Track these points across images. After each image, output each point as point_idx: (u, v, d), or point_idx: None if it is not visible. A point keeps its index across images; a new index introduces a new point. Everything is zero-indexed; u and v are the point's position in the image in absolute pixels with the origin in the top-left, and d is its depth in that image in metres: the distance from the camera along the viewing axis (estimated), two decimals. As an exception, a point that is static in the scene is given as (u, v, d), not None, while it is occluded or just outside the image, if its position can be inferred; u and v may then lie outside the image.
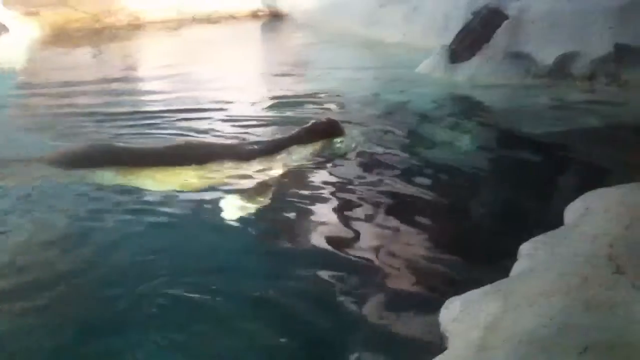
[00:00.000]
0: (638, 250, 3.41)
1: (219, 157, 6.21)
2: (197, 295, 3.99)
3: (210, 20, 20.39)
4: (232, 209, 5.18)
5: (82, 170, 6.06)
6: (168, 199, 5.46)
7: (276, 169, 6.07)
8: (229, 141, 6.97)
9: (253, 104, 8.76)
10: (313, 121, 6.79)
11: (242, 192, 5.52)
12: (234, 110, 8.41)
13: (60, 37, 18.58)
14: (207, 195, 5.49)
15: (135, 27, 20.05)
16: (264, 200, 5.38)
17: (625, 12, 8.71)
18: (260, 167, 6.11)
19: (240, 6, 20.50)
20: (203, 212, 5.19)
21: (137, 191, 5.64)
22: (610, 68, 8.77)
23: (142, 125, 7.87)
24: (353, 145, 6.62)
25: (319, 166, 6.14)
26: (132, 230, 4.92)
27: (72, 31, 19.26)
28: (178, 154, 6.28)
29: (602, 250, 3.49)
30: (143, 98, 9.61)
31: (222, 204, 5.29)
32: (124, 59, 14.40)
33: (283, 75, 10.41)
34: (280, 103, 8.68)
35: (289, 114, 8.01)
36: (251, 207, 5.23)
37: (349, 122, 7.26)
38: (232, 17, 20.43)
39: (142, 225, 5.00)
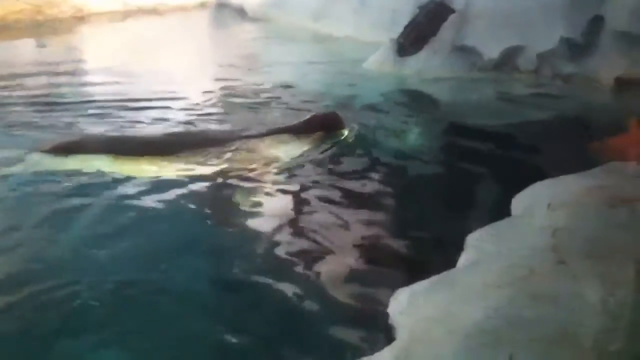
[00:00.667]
0: (579, 241, 3.46)
1: (213, 145, 6.09)
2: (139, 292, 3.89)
3: (157, 11, 20.01)
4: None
5: (76, 158, 5.95)
6: (146, 189, 5.35)
7: (261, 160, 5.95)
8: (218, 129, 6.85)
9: (204, 92, 8.61)
10: (313, 113, 6.64)
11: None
12: (181, 103, 8.25)
13: (0, 29, 17.94)
14: (182, 187, 5.38)
15: (79, 19, 19.50)
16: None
17: (570, 7, 8.92)
18: (248, 156, 5.99)
19: (189, -3, 20.21)
20: (178, 205, 5.09)
21: (122, 180, 5.52)
22: (554, 62, 8.95)
23: (90, 115, 7.66)
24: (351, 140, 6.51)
25: (305, 160, 6.05)
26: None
27: (12, 23, 18.61)
28: (171, 142, 6.17)
29: (546, 241, 3.53)
30: (88, 89, 9.34)
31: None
32: (68, 51, 13.98)
33: (233, 68, 10.28)
34: (231, 95, 8.57)
35: (240, 107, 7.89)
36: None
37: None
38: (180, 9, 20.10)
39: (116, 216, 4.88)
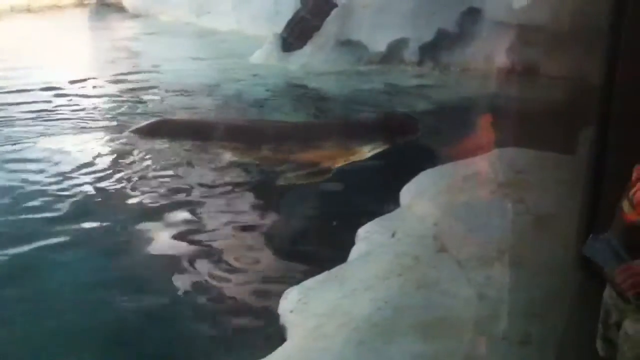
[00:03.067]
0: (459, 228, 3.56)
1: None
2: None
3: (30, 10, 18.88)
4: None
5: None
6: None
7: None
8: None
9: (88, 96, 8.20)
10: (386, 112, 6.43)
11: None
12: (58, 102, 7.82)
13: None
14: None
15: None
16: None
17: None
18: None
19: (63, -6, 19.21)
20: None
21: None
22: (435, 53, 9.24)
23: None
24: None
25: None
26: None
27: None
28: (250, 131, 6.17)
29: (429, 229, 3.61)
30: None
31: None
32: None
33: (114, 67, 9.84)
34: (115, 95, 8.21)
35: (123, 109, 7.56)
36: None
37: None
38: (56, 7, 19.09)
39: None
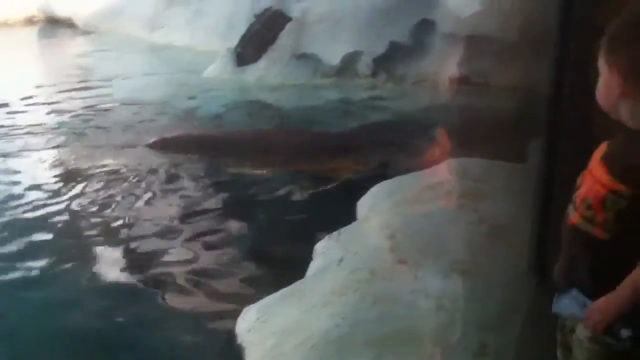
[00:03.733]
0: (416, 239, 3.56)
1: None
2: None
3: (-24, 28, 18.44)
4: None
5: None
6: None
7: None
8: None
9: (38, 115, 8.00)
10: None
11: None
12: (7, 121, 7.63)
13: None
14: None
15: None
16: None
17: (398, 12, 9.31)
18: None
19: (12, 12, 18.76)
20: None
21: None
22: (388, 65, 9.31)
23: None
24: None
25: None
26: None
27: None
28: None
29: (385, 242, 3.60)
30: None
31: None
32: None
33: (64, 85, 9.63)
34: (66, 111, 8.03)
35: (75, 126, 7.39)
36: None
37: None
38: (5, 24, 18.67)
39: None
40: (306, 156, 6.15)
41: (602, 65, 1.63)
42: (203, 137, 6.86)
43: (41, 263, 4.37)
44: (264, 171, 5.92)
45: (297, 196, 5.40)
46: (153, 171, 5.94)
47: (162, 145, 6.44)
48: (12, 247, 4.60)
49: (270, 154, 6.17)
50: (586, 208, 1.64)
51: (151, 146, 6.46)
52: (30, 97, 8.78)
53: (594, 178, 1.64)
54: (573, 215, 1.69)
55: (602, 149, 1.69)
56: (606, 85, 1.63)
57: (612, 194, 1.57)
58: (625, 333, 1.62)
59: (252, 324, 3.29)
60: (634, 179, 1.54)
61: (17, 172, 6.06)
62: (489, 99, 7.43)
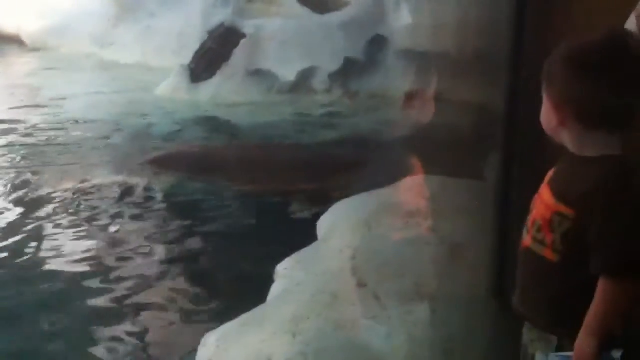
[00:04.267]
0: (377, 259, 3.56)
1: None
2: None
3: None
4: None
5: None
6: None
7: None
8: None
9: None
10: None
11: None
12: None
13: None
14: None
15: None
16: None
17: (350, 28, 9.39)
18: None
19: (-45, 28, 18.23)
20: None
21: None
22: (343, 81, 9.36)
23: None
24: None
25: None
26: None
27: None
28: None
29: (346, 263, 3.58)
30: None
31: None
32: None
33: (10, 104, 9.38)
34: (14, 133, 7.80)
35: (22, 152, 7.18)
36: None
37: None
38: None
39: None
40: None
41: (543, 94, 1.71)
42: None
43: None
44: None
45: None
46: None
47: (160, 164, 6.36)
48: None
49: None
50: (536, 230, 1.69)
51: (151, 163, 6.38)
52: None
53: (542, 201, 1.70)
54: (525, 239, 1.74)
55: (550, 173, 1.76)
56: (546, 113, 1.70)
57: (557, 216, 1.63)
58: (616, 354, 1.64)
59: (213, 352, 3.22)
60: (576, 201, 1.60)
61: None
62: (443, 116, 7.53)
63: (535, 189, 1.80)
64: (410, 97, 8.62)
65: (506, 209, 2.94)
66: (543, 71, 1.70)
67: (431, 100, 8.35)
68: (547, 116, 1.70)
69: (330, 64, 9.38)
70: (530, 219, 1.74)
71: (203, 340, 3.34)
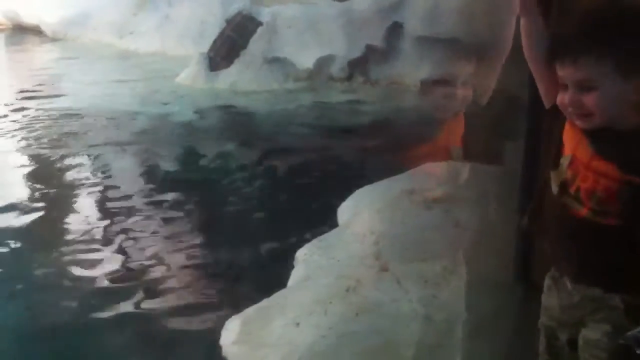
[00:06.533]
0: (399, 245, 3.54)
1: None
2: None
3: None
4: None
5: None
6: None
7: None
8: None
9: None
10: None
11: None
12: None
13: None
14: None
15: None
16: None
17: (370, 16, 9.33)
18: None
19: (-24, 19, 18.40)
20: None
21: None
22: (364, 68, 9.33)
23: None
24: None
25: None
26: None
27: None
28: None
29: (369, 249, 3.57)
30: None
31: None
32: None
33: (33, 92, 9.46)
34: (34, 120, 7.86)
35: (44, 140, 7.23)
36: None
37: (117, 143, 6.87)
38: (-32, 33, 18.28)
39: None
40: None
41: (605, 78, 1.61)
42: None
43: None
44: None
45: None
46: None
47: None
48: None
49: None
50: (596, 202, 1.66)
51: None
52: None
53: (599, 172, 1.65)
54: (579, 209, 1.70)
55: (584, 140, 1.69)
56: (618, 95, 1.61)
57: (626, 185, 1.61)
58: None
59: (236, 336, 3.23)
60: None
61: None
62: (463, 101, 7.49)
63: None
64: (429, 83, 8.59)
65: (531, 194, 2.90)
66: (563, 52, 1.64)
67: (452, 86, 8.34)
68: (618, 97, 1.60)
69: (350, 51, 9.34)
70: (578, 189, 1.69)
71: (226, 325, 3.35)
